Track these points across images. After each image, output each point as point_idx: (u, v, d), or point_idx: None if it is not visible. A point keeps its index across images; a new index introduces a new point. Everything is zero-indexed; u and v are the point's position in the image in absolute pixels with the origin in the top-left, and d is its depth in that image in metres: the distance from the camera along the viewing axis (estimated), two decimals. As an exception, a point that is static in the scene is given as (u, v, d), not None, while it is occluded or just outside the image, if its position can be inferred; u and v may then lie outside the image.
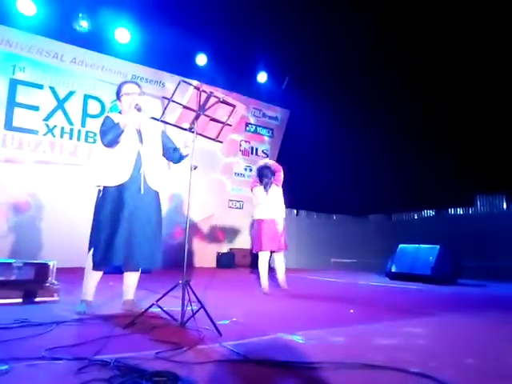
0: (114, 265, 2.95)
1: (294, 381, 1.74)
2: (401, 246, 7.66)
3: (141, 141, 3.13)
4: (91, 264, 2.97)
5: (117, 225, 2.91)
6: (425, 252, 7.13)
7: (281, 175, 5.11)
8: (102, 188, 3.03)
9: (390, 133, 9.37)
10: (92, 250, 2.95)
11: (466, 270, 7.22)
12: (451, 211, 9.78)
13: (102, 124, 3.08)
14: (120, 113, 3.23)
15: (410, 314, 3.60)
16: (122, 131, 2.99)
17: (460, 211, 9.59)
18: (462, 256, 7.19)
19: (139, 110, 3.05)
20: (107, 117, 3.14)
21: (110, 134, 2.97)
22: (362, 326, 2.93)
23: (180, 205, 8.33)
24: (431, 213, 10.19)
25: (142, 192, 3.04)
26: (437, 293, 5.57)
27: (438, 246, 7.02)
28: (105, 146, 3.02)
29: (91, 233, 3.02)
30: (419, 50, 8.24)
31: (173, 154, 3.30)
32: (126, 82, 3.27)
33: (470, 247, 7.99)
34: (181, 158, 3.30)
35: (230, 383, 1.68)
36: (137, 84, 3.25)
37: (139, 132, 3.16)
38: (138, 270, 3.19)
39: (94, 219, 3.03)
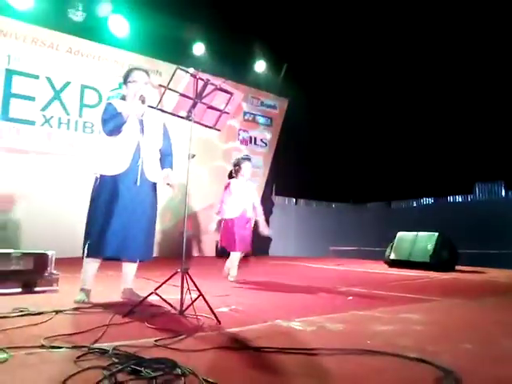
0: (105, 255, 2.96)
1: (292, 368, 1.74)
2: (399, 233, 7.67)
3: (142, 131, 3.08)
4: (85, 252, 2.98)
5: (110, 217, 2.91)
6: (423, 239, 7.14)
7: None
8: (98, 176, 3.01)
9: (388, 121, 9.34)
10: (88, 238, 2.96)
11: (465, 257, 7.25)
12: (450, 199, 9.78)
13: (104, 111, 3.01)
14: (123, 98, 3.18)
15: (408, 300, 3.62)
16: (125, 121, 2.94)
17: (459, 199, 9.60)
18: (460, 243, 7.20)
19: (143, 101, 3.00)
20: (109, 104, 3.07)
21: (112, 123, 2.92)
22: (361, 313, 2.94)
23: (180, 194, 8.30)
24: (430, 200, 10.20)
25: (138, 184, 3.02)
26: (435, 280, 5.60)
27: (437, 234, 7.03)
28: (106, 134, 2.97)
29: (87, 221, 3.02)
30: (418, 39, 8.18)
31: (163, 159, 3.25)
32: (135, 69, 3.21)
33: (469, 234, 8.02)
34: (162, 168, 3.25)
35: (228, 370, 1.69)
36: (146, 72, 3.19)
37: (141, 122, 3.10)
38: (134, 261, 3.20)
39: (89, 207, 3.02)
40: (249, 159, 5.12)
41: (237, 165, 5.04)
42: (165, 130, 3.30)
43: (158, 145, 3.22)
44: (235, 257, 4.80)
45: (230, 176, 5.14)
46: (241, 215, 4.84)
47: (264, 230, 4.98)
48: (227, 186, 5.00)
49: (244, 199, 4.92)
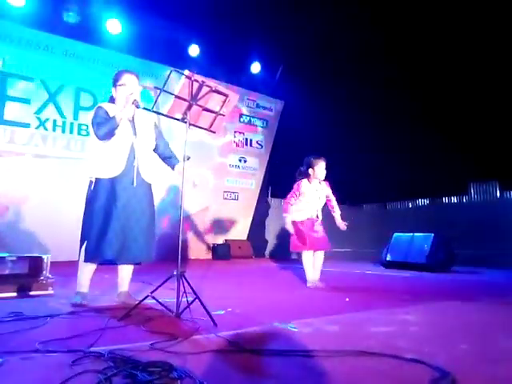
0: (106, 258, 2.93)
1: (289, 370, 1.74)
2: (395, 234, 7.70)
3: (134, 133, 3.08)
4: (84, 256, 2.95)
5: (109, 219, 2.89)
6: (419, 240, 7.17)
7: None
8: (94, 179, 2.99)
9: (384, 122, 9.36)
10: (85, 242, 2.93)
11: (460, 258, 7.27)
12: (445, 199, 9.80)
13: (95, 115, 2.99)
14: (111, 100, 3.17)
15: (404, 301, 3.62)
16: (118, 125, 2.93)
17: (454, 199, 9.62)
18: (456, 244, 7.23)
19: (138, 107, 3.00)
20: (99, 107, 3.06)
21: (105, 128, 2.90)
22: (357, 314, 2.94)
23: (174, 196, 8.30)
24: (425, 201, 10.22)
25: (135, 185, 3.01)
26: (431, 280, 5.61)
27: (433, 234, 7.06)
28: (99, 139, 2.95)
29: (83, 225, 2.99)
30: (409, 38, 8.21)
31: (168, 160, 3.30)
32: (126, 72, 3.16)
33: (464, 235, 8.04)
34: (173, 167, 3.30)
35: (225, 373, 1.68)
36: (137, 76, 3.17)
37: (132, 123, 3.10)
38: (133, 263, 3.18)
39: (86, 211, 3.00)
40: (323, 158, 4.60)
41: (310, 166, 4.57)
42: (157, 130, 3.31)
43: (151, 145, 3.23)
44: (305, 257, 4.49)
45: (300, 175, 4.66)
46: (309, 219, 4.55)
47: (340, 225, 4.77)
48: (298, 188, 4.57)
49: (315, 204, 4.61)
